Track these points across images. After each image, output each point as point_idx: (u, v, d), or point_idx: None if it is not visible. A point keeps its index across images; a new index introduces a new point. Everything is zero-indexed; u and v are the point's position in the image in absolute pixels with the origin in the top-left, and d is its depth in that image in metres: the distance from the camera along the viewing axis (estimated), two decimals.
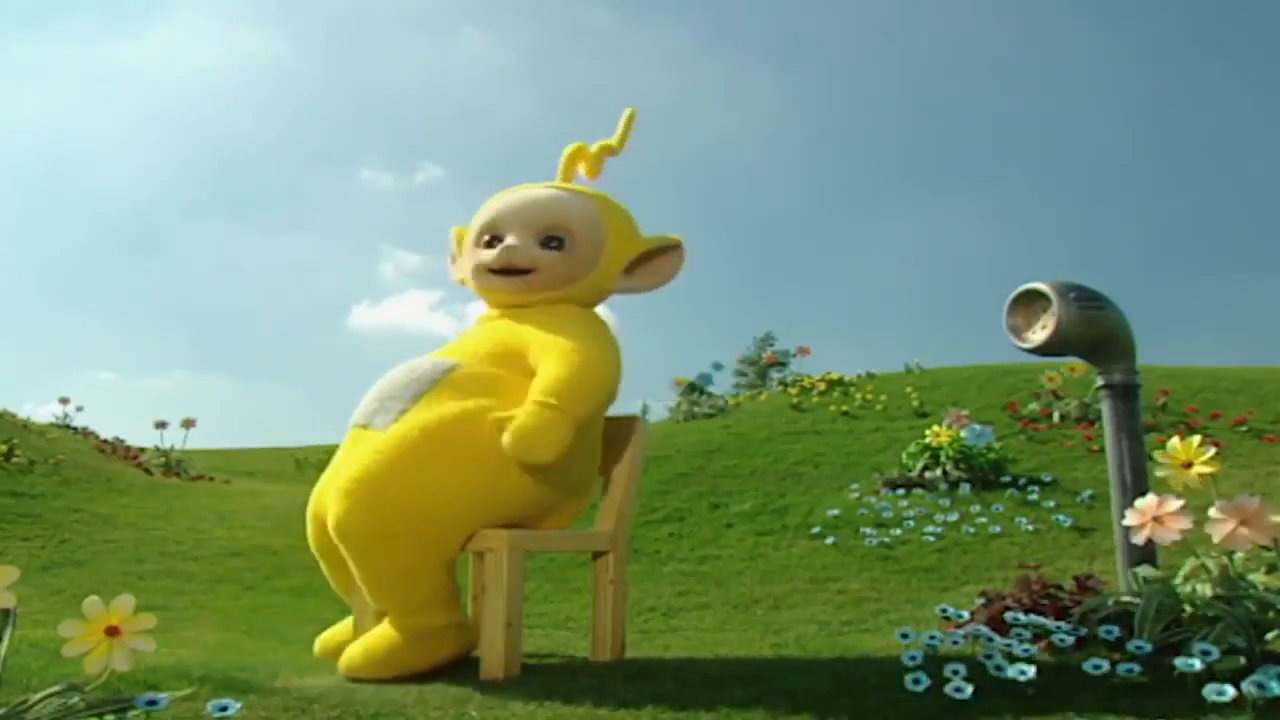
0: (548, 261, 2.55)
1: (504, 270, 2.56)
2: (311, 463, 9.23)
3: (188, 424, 9.52)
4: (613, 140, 2.80)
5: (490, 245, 2.61)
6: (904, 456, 5.52)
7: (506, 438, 2.15)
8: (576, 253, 2.56)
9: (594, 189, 2.75)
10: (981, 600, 2.49)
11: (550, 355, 2.33)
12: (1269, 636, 1.94)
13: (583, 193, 2.68)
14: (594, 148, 2.80)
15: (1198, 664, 1.81)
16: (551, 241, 2.56)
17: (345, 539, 2.22)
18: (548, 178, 2.77)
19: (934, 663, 1.92)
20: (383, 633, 2.27)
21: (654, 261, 2.66)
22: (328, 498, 2.32)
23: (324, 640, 2.63)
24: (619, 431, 2.62)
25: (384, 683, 2.17)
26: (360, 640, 2.30)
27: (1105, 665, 1.88)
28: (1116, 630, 2.10)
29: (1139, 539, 2.12)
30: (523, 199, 2.63)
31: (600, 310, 2.69)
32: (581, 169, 2.80)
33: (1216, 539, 1.99)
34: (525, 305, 2.56)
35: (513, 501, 2.34)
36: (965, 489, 5.07)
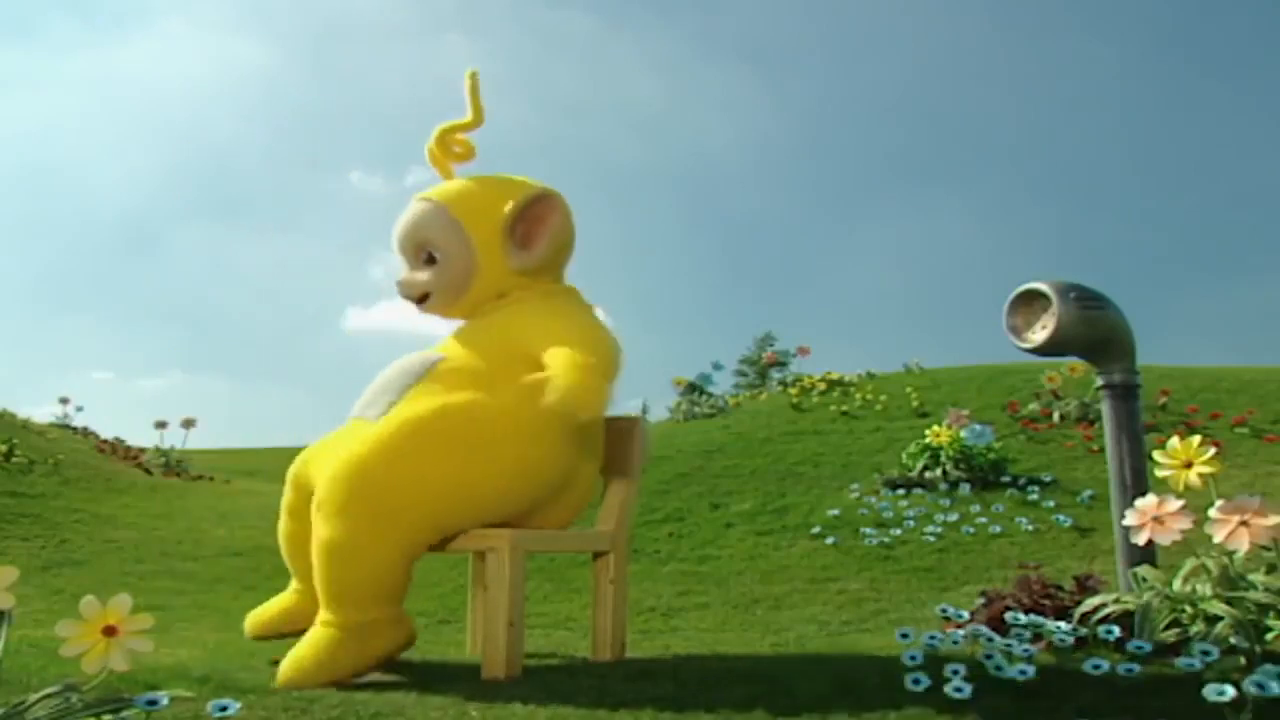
0: (431, 282, 2.60)
1: (414, 302, 2.64)
2: None
3: (188, 424, 9.52)
4: (467, 118, 2.71)
5: None
6: (904, 456, 5.52)
7: (551, 394, 2.11)
8: (449, 261, 2.58)
9: (457, 180, 2.70)
10: (981, 600, 2.49)
11: (567, 329, 2.37)
12: (1269, 636, 1.94)
13: (434, 197, 2.63)
14: (455, 133, 2.72)
15: (1198, 664, 1.81)
16: (428, 258, 2.61)
17: (324, 517, 2.23)
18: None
19: (934, 663, 1.92)
20: (311, 639, 2.20)
21: (535, 224, 2.56)
22: (313, 469, 2.44)
23: (254, 617, 2.66)
24: (619, 431, 2.62)
25: (383, 687, 2.17)
26: (291, 652, 2.20)
27: (1105, 665, 1.88)
28: (1116, 630, 2.10)
29: (1139, 539, 2.12)
30: (399, 226, 2.66)
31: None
32: (453, 158, 2.73)
33: (1216, 539, 1.99)
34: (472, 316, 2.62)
35: (492, 498, 2.33)
36: (965, 489, 5.07)
